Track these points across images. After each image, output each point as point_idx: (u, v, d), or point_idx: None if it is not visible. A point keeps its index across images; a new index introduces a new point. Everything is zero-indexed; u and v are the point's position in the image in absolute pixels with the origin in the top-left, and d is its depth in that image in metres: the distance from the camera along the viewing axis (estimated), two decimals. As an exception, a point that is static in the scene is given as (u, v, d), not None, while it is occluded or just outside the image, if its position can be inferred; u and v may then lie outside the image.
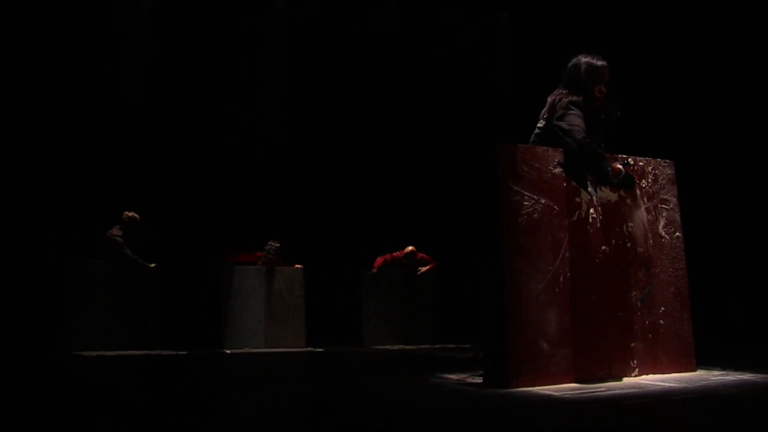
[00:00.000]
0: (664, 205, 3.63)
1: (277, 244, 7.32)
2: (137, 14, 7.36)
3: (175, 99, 7.62)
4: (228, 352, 6.76)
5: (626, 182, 3.45)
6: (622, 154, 3.58)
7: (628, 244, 3.48)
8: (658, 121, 5.92)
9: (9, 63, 6.68)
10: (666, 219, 3.62)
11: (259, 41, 7.81)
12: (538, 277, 3.20)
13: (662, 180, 3.66)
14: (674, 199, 3.68)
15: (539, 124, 3.62)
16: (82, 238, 6.56)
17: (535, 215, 3.26)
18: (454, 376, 3.65)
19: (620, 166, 3.35)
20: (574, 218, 3.34)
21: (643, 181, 3.60)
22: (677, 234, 3.65)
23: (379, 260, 7.70)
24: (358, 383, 3.62)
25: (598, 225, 3.40)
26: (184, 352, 6.46)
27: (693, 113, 6.01)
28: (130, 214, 6.74)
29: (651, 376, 3.36)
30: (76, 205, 6.92)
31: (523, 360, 3.10)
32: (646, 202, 3.58)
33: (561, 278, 3.25)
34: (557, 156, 3.37)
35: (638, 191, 3.57)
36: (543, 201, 3.28)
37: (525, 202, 3.24)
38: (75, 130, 7.11)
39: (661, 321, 3.49)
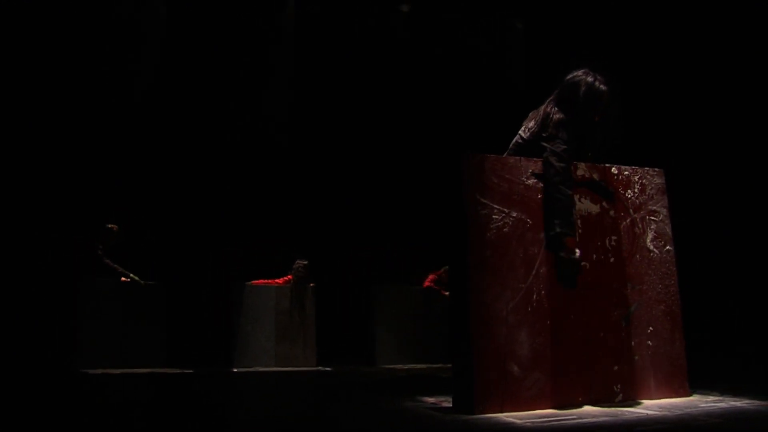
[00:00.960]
0: (652, 217, 3.39)
1: (305, 261, 7.30)
2: (145, 16, 7.43)
3: (187, 114, 7.67)
4: (235, 371, 6.70)
5: (570, 267, 3.06)
6: (607, 164, 3.37)
7: (612, 259, 3.25)
8: (650, 129, 5.63)
9: (17, 67, 6.79)
10: (655, 232, 3.38)
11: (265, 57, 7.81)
12: (507, 294, 3.01)
13: (651, 190, 3.42)
14: (664, 210, 3.43)
15: (522, 133, 3.43)
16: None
17: (505, 229, 3.07)
18: (432, 399, 3.48)
19: (577, 250, 3.06)
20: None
21: (629, 191, 3.37)
22: (668, 248, 3.39)
23: (431, 276, 7.64)
24: (325, 406, 3.47)
25: (577, 239, 3.18)
26: (191, 371, 6.44)
27: (687, 119, 5.70)
28: (109, 226, 6.83)
29: (638, 402, 3.11)
30: (86, 219, 6.99)
31: (491, 384, 2.90)
32: (632, 213, 3.35)
33: (534, 296, 3.05)
34: (532, 166, 3.18)
35: (624, 203, 3.34)
36: (514, 214, 3.10)
37: (494, 216, 3.06)
38: (89, 142, 7.21)
39: (649, 342, 3.24)
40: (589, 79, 3.22)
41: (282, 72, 7.79)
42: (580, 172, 3.28)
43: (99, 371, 6.15)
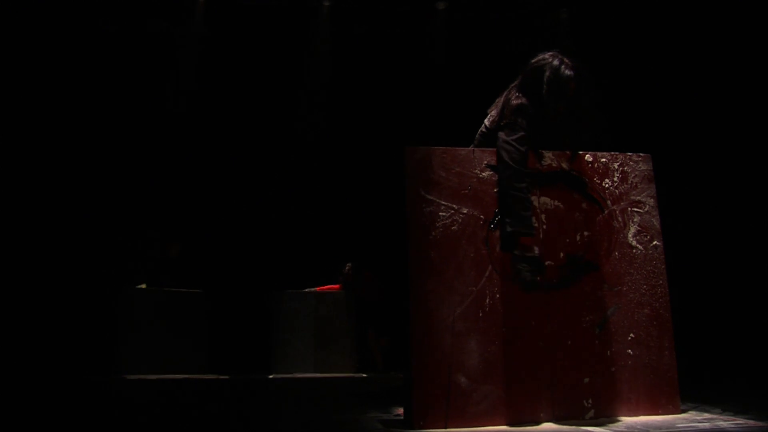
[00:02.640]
0: (636, 209, 3.00)
1: (350, 264, 7.29)
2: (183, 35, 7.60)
3: (225, 125, 7.79)
4: (270, 377, 6.71)
5: (527, 267, 2.70)
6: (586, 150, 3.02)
7: (585, 258, 2.90)
8: (640, 111, 5.10)
9: (59, 83, 7.15)
10: (639, 225, 2.98)
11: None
12: (454, 299, 2.74)
13: (634, 178, 3.03)
14: (651, 201, 3.02)
15: (486, 122, 3.14)
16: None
17: (453, 227, 2.81)
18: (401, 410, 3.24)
19: (536, 248, 2.74)
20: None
21: (606, 180, 3.00)
22: (654, 243, 2.98)
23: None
24: (296, 416, 3.32)
25: (541, 236, 2.86)
26: (227, 377, 6.51)
27: (679, 102, 5.14)
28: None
29: (613, 420, 2.74)
30: (125, 229, 7.25)
31: (433, 397, 2.65)
32: (610, 205, 2.97)
33: (487, 300, 2.76)
34: (487, 158, 2.89)
35: (601, 193, 2.97)
36: (465, 210, 2.82)
37: (441, 213, 2.81)
38: (128, 151, 7.46)
39: (629, 351, 2.85)
40: (555, 62, 2.87)
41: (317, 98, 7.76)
42: (546, 162, 2.95)
43: (136, 377, 6.33)
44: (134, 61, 7.33)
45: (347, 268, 7.28)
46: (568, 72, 2.83)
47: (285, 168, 7.94)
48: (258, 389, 5.25)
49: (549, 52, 2.92)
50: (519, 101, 2.87)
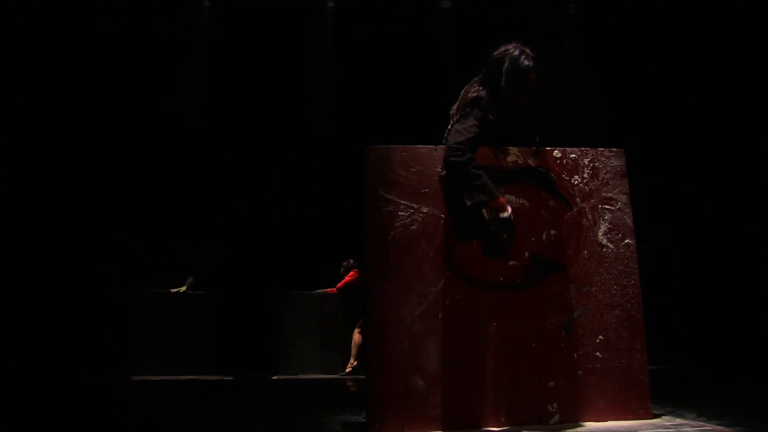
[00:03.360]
0: (607, 206, 2.89)
1: (351, 260, 7.29)
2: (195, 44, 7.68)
3: (231, 127, 7.86)
4: (274, 378, 6.73)
5: (506, 227, 2.58)
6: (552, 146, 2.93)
7: (551, 257, 2.81)
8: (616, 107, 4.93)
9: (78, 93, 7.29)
10: (610, 223, 2.87)
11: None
12: (413, 300, 2.68)
13: (605, 174, 2.92)
14: (623, 198, 2.91)
15: (452, 121, 3.06)
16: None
17: (413, 227, 2.75)
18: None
19: (509, 207, 2.60)
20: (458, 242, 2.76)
21: (576, 177, 2.90)
22: (627, 241, 2.87)
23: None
24: (260, 418, 3.30)
25: (504, 235, 2.78)
26: (230, 378, 6.56)
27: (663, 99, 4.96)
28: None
29: (579, 425, 2.65)
30: (134, 232, 7.36)
31: (389, 400, 2.60)
32: (579, 203, 2.87)
33: (447, 301, 2.70)
34: (449, 155, 2.82)
35: (569, 190, 2.88)
36: (425, 210, 2.76)
37: (400, 212, 2.75)
38: (139, 158, 7.58)
39: (597, 353, 2.75)
40: (516, 53, 2.78)
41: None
42: (511, 158, 2.87)
43: (141, 377, 6.41)
44: (143, 63, 7.43)
45: (348, 263, 7.25)
46: (527, 62, 2.74)
47: (287, 169, 7.95)
48: (251, 391, 5.25)
49: (512, 43, 2.83)
50: (476, 94, 2.79)
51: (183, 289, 7.14)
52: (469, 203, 2.60)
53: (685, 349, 5.59)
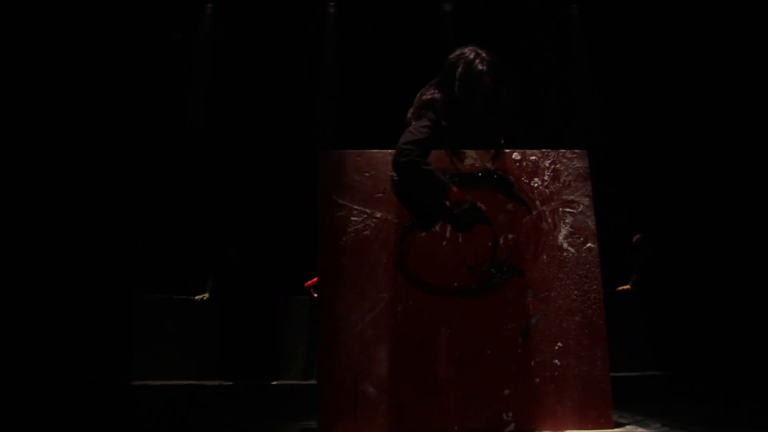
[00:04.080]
0: (568, 209, 2.81)
1: None
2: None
3: (234, 130, 7.89)
4: (274, 383, 6.74)
5: (471, 215, 2.61)
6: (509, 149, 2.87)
7: (509, 262, 2.75)
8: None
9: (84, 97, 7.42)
10: (571, 226, 2.80)
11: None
12: (364, 306, 2.66)
13: (567, 176, 2.85)
14: (586, 200, 2.83)
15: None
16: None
17: (366, 232, 2.73)
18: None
19: (467, 196, 2.60)
20: (424, 233, 2.73)
21: (536, 179, 2.83)
22: (589, 245, 2.79)
23: None
24: (220, 424, 3.31)
25: (459, 239, 2.74)
26: (230, 383, 6.59)
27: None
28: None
29: (535, 434, 2.58)
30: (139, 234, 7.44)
31: (339, 407, 2.58)
32: (539, 206, 2.81)
33: (399, 307, 2.67)
34: (406, 159, 2.79)
35: (528, 193, 2.81)
36: (379, 215, 2.74)
37: (353, 218, 2.74)
38: (137, 158, 7.66)
39: (556, 361, 2.67)
40: (471, 56, 2.72)
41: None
42: (469, 162, 2.82)
43: (141, 383, 6.43)
44: (142, 63, 7.49)
45: None
46: (480, 66, 2.68)
47: (289, 169, 7.97)
48: (244, 396, 5.28)
49: (468, 47, 2.78)
50: (430, 96, 2.76)
51: (206, 295, 7.19)
52: (425, 203, 2.58)
53: (674, 354, 5.47)
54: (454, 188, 2.56)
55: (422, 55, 7.47)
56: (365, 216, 2.74)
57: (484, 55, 2.73)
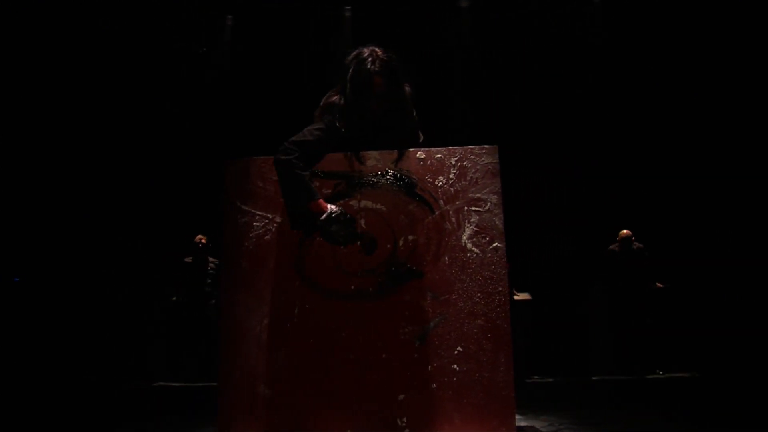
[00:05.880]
0: (474, 207, 2.70)
1: None
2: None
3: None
4: None
5: (338, 231, 2.51)
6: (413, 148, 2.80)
7: (408, 264, 2.68)
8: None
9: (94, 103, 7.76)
10: (476, 226, 2.68)
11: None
12: (263, 310, 2.71)
13: (474, 173, 2.73)
14: (493, 198, 2.70)
15: None
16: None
17: (266, 237, 2.77)
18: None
19: (331, 207, 2.53)
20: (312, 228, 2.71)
21: (440, 178, 2.74)
22: (495, 245, 2.66)
23: None
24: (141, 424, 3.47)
25: (359, 243, 2.70)
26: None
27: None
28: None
29: (429, 440, 2.51)
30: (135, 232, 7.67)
31: (236, 407, 2.65)
32: (443, 205, 2.72)
33: (296, 311, 2.69)
34: (310, 163, 2.80)
35: (432, 193, 2.73)
36: (279, 219, 2.77)
37: (255, 223, 2.79)
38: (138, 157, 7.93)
39: (455, 366, 2.58)
40: (363, 56, 2.66)
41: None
42: (371, 163, 2.78)
43: (159, 384, 6.67)
44: (142, 63, 7.67)
45: None
46: (371, 67, 2.62)
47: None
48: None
49: (366, 46, 2.73)
50: (329, 99, 2.75)
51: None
52: (288, 204, 2.57)
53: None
54: (320, 200, 2.52)
55: (438, 54, 7.33)
56: (266, 221, 2.78)
57: (379, 53, 2.67)
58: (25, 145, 7.41)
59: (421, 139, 2.96)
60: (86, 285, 7.33)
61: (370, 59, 2.64)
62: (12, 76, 7.21)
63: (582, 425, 2.66)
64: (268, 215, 2.78)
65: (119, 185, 7.65)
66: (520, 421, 3.24)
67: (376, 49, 2.69)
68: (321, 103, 2.82)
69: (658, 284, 6.38)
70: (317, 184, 2.66)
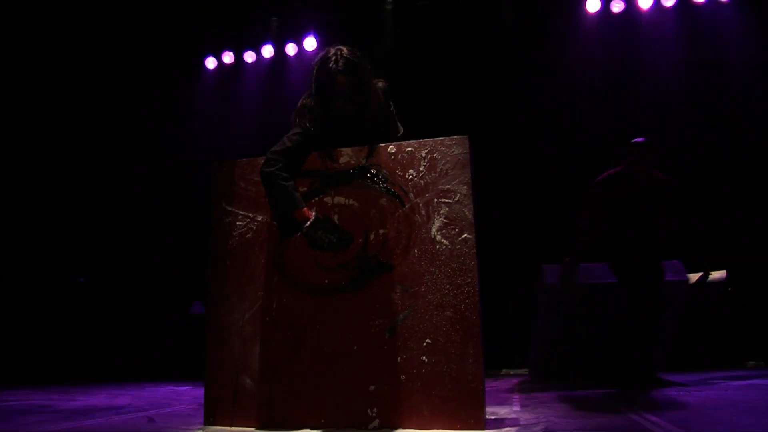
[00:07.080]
0: (444, 199, 2.68)
1: None
2: None
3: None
4: None
5: (326, 237, 2.65)
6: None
7: (378, 258, 2.72)
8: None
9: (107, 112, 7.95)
10: (446, 217, 2.67)
11: None
12: (245, 305, 2.84)
13: (444, 165, 2.71)
14: (463, 189, 2.67)
15: None
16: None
17: (248, 235, 2.90)
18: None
19: (315, 214, 2.67)
20: (298, 233, 2.82)
21: (411, 171, 2.75)
22: (464, 236, 2.63)
23: None
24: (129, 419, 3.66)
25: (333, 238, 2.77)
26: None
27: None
28: None
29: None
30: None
31: (221, 397, 2.80)
32: (413, 198, 2.72)
33: (274, 305, 2.80)
34: (288, 162, 2.90)
35: (403, 186, 2.75)
36: (260, 218, 2.90)
37: (238, 222, 2.93)
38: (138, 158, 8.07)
39: (423, 358, 2.59)
40: (326, 56, 2.72)
41: None
42: (344, 160, 2.84)
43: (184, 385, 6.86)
44: (142, 63, 7.84)
45: None
46: (332, 66, 2.67)
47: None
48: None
49: (332, 47, 2.78)
50: (302, 102, 2.83)
51: None
52: (275, 214, 2.69)
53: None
54: (304, 209, 2.63)
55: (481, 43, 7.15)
56: (248, 220, 2.91)
57: (344, 52, 2.72)
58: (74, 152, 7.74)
59: (400, 132, 2.99)
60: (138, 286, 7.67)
61: (333, 58, 2.70)
62: (12, 76, 7.39)
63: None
64: (250, 214, 2.91)
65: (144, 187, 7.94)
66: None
67: (342, 48, 2.74)
68: (296, 107, 2.91)
69: None
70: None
